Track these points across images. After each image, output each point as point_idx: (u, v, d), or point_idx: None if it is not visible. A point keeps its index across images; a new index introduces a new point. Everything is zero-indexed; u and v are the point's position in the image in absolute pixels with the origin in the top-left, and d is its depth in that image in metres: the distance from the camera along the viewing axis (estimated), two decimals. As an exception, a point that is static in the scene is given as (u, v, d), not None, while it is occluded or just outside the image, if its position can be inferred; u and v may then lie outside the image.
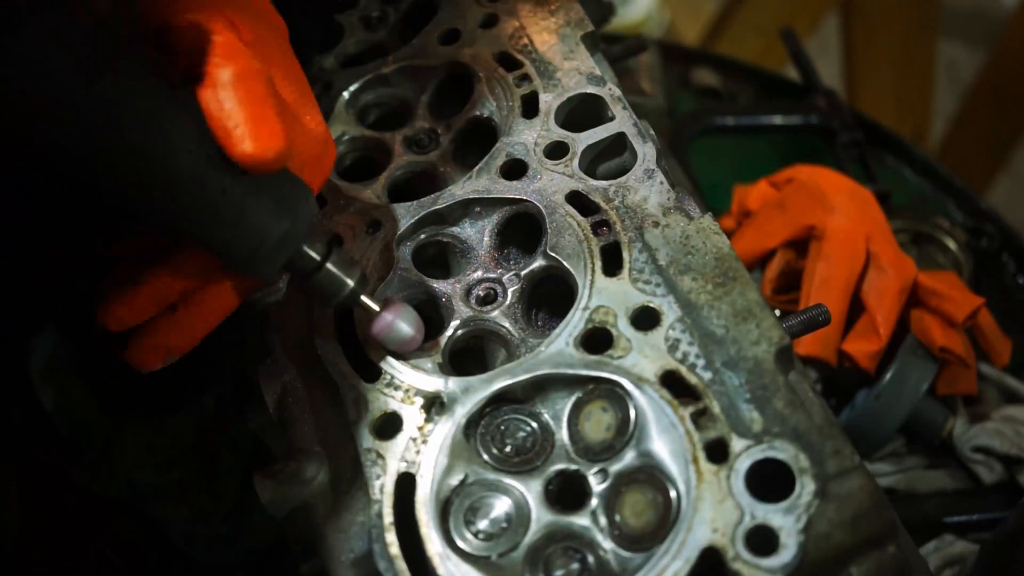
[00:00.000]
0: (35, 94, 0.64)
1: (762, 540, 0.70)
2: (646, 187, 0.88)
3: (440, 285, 0.90)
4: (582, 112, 0.96)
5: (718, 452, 0.74)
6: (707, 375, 0.77)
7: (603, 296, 0.83)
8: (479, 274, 0.91)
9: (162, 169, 0.70)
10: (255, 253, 0.75)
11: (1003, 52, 2.52)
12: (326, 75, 1.08)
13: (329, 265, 0.79)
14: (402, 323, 0.82)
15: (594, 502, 0.76)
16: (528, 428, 0.81)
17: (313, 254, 0.79)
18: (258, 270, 0.77)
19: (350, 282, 0.81)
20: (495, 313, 0.88)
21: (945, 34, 2.81)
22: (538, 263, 0.88)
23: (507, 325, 0.87)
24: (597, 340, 0.81)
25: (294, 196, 0.77)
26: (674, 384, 0.78)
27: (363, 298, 0.82)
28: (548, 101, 0.97)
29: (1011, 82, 2.43)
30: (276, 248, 0.76)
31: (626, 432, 0.78)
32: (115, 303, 0.80)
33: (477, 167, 0.94)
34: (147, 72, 0.70)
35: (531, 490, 0.78)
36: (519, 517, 0.77)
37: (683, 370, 0.77)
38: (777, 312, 0.92)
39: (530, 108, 0.98)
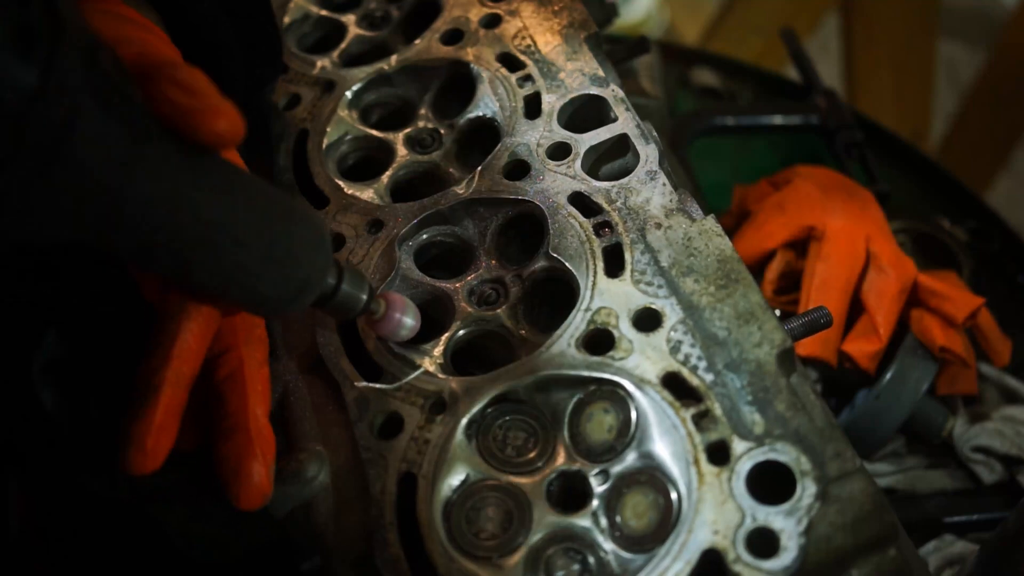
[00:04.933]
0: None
1: (763, 542, 0.70)
2: (648, 188, 0.88)
3: (442, 285, 0.91)
4: (585, 113, 0.96)
5: (719, 454, 0.74)
6: (709, 377, 0.77)
7: (605, 297, 0.83)
8: (481, 274, 0.91)
9: (216, 237, 0.68)
10: (300, 293, 0.74)
11: (1003, 52, 2.52)
12: (328, 75, 1.08)
13: (344, 286, 0.78)
14: (407, 319, 0.83)
15: (595, 503, 0.76)
16: (529, 429, 0.81)
17: (330, 279, 0.77)
18: (294, 308, 0.75)
19: (364, 297, 0.79)
20: (497, 313, 0.88)
21: (945, 34, 2.81)
22: (540, 264, 0.88)
23: (509, 326, 0.87)
24: (599, 341, 0.81)
25: (320, 226, 0.76)
26: (676, 386, 0.78)
27: (372, 306, 0.81)
28: (551, 102, 0.97)
29: (1011, 82, 2.43)
30: (316, 284, 0.75)
31: (627, 433, 0.78)
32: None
33: (479, 167, 0.94)
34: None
35: (532, 491, 0.78)
36: (520, 518, 0.77)
37: (685, 372, 0.78)
38: (777, 313, 0.93)
39: (533, 109, 0.98)
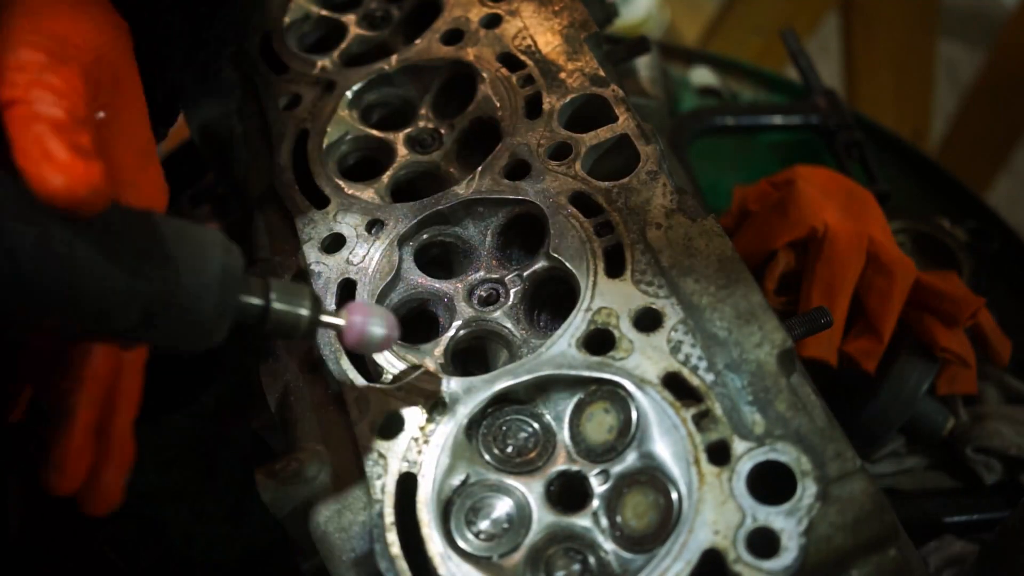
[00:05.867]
0: None
1: (763, 542, 0.70)
2: (649, 188, 0.88)
3: (442, 285, 0.91)
4: (585, 113, 0.96)
5: (720, 454, 0.74)
6: (709, 377, 0.77)
7: (605, 297, 0.83)
8: (481, 274, 0.91)
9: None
10: (205, 331, 0.68)
11: (1003, 52, 2.52)
12: (328, 75, 1.08)
13: (275, 305, 0.71)
14: (375, 329, 0.76)
15: (595, 503, 0.76)
16: (530, 429, 0.81)
17: (254, 300, 0.70)
18: (208, 342, 0.69)
19: (304, 312, 0.73)
20: (497, 314, 0.88)
21: (945, 34, 2.81)
22: (540, 264, 0.88)
23: (509, 326, 0.87)
24: (599, 341, 0.81)
25: (204, 244, 0.69)
26: (676, 386, 0.78)
27: (324, 318, 0.75)
28: (551, 102, 0.96)
29: (1011, 82, 2.43)
30: (219, 315, 0.68)
31: (628, 433, 0.78)
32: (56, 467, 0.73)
33: (480, 167, 0.94)
34: None
35: (532, 491, 0.78)
36: (520, 518, 0.77)
37: (685, 372, 0.77)
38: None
39: (533, 109, 0.98)
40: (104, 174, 0.64)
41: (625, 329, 0.81)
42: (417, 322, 0.88)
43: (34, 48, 0.69)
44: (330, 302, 0.90)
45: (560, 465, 0.79)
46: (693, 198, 0.88)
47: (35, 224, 0.62)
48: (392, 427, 0.82)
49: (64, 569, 1.15)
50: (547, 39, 1.02)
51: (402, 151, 1.02)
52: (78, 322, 0.65)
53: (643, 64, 1.38)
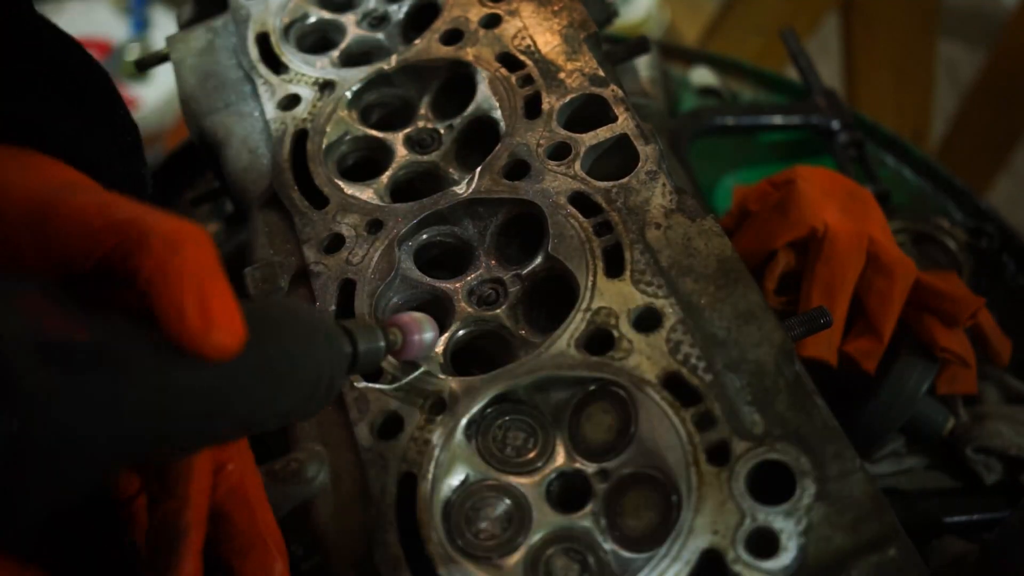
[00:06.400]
0: None
1: (762, 542, 0.70)
2: (648, 188, 0.88)
3: (442, 285, 0.91)
4: (585, 113, 0.96)
5: (719, 454, 0.74)
6: (708, 377, 0.77)
7: (605, 297, 0.83)
8: (481, 274, 0.91)
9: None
10: (327, 392, 0.69)
11: (1003, 52, 2.52)
12: (328, 75, 1.08)
13: (360, 347, 0.72)
14: (427, 336, 0.78)
15: (595, 503, 0.76)
16: (529, 429, 0.81)
17: (348, 348, 0.72)
18: (325, 405, 0.71)
19: (381, 345, 0.75)
20: (497, 313, 0.88)
21: (945, 34, 2.81)
22: (540, 264, 0.88)
23: (508, 326, 0.87)
24: (598, 341, 0.81)
25: (306, 319, 0.69)
26: (675, 386, 0.78)
27: (390, 343, 0.77)
28: (551, 102, 0.97)
29: (1011, 82, 2.43)
30: (337, 375, 0.70)
31: (627, 433, 0.78)
32: None
33: (479, 167, 0.94)
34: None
35: (532, 491, 0.78)
36: (520, 518, 0.77)
37: (684, 372, 0.78)
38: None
39: (533, 109, 0.98)
40: (237, 311, 0.59)
41: (624, 329, 0.81)
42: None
43: (89, 208, 0.61)
44: (330, 303, 0.91)
45: (559, 465, 0.79)
46: (693, 198, 0.88)
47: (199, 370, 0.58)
48: (392, 427, 0.82)
49: (64, 569, 1.15)
50: (546, 39, 1.02)
51: (401, 151, 1.02)
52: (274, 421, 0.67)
53: (643, 64, 1.39)
